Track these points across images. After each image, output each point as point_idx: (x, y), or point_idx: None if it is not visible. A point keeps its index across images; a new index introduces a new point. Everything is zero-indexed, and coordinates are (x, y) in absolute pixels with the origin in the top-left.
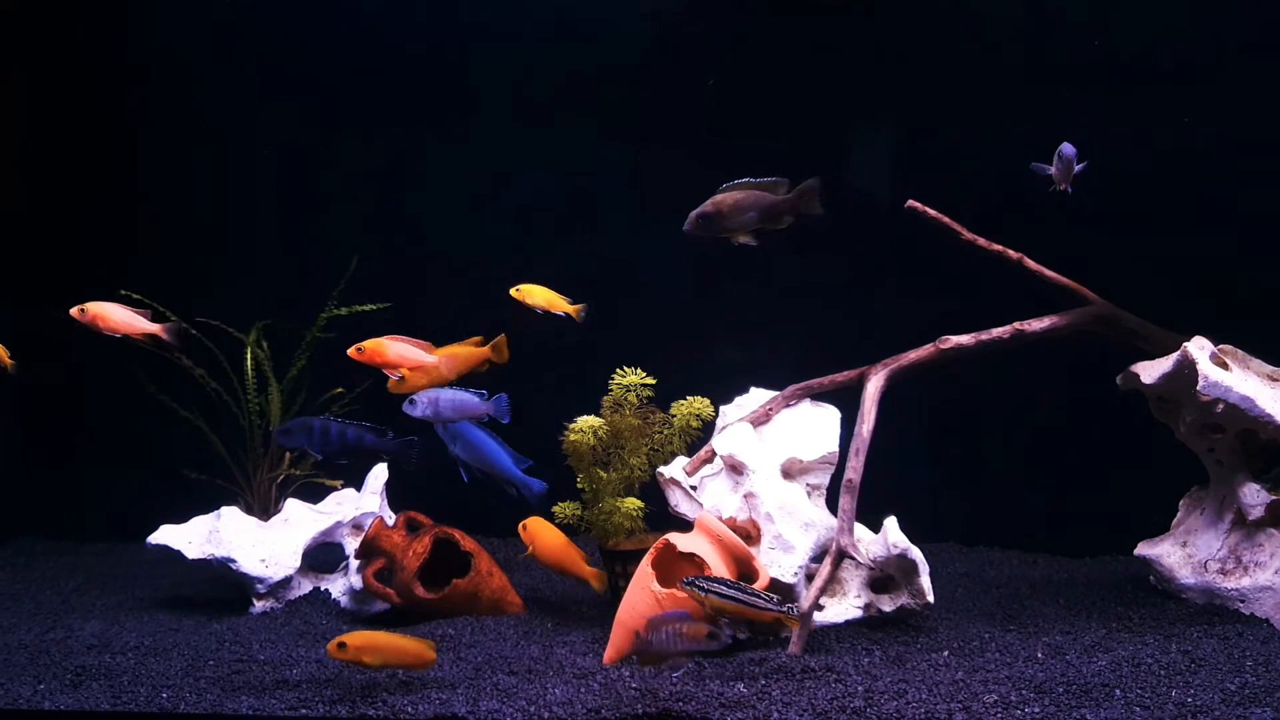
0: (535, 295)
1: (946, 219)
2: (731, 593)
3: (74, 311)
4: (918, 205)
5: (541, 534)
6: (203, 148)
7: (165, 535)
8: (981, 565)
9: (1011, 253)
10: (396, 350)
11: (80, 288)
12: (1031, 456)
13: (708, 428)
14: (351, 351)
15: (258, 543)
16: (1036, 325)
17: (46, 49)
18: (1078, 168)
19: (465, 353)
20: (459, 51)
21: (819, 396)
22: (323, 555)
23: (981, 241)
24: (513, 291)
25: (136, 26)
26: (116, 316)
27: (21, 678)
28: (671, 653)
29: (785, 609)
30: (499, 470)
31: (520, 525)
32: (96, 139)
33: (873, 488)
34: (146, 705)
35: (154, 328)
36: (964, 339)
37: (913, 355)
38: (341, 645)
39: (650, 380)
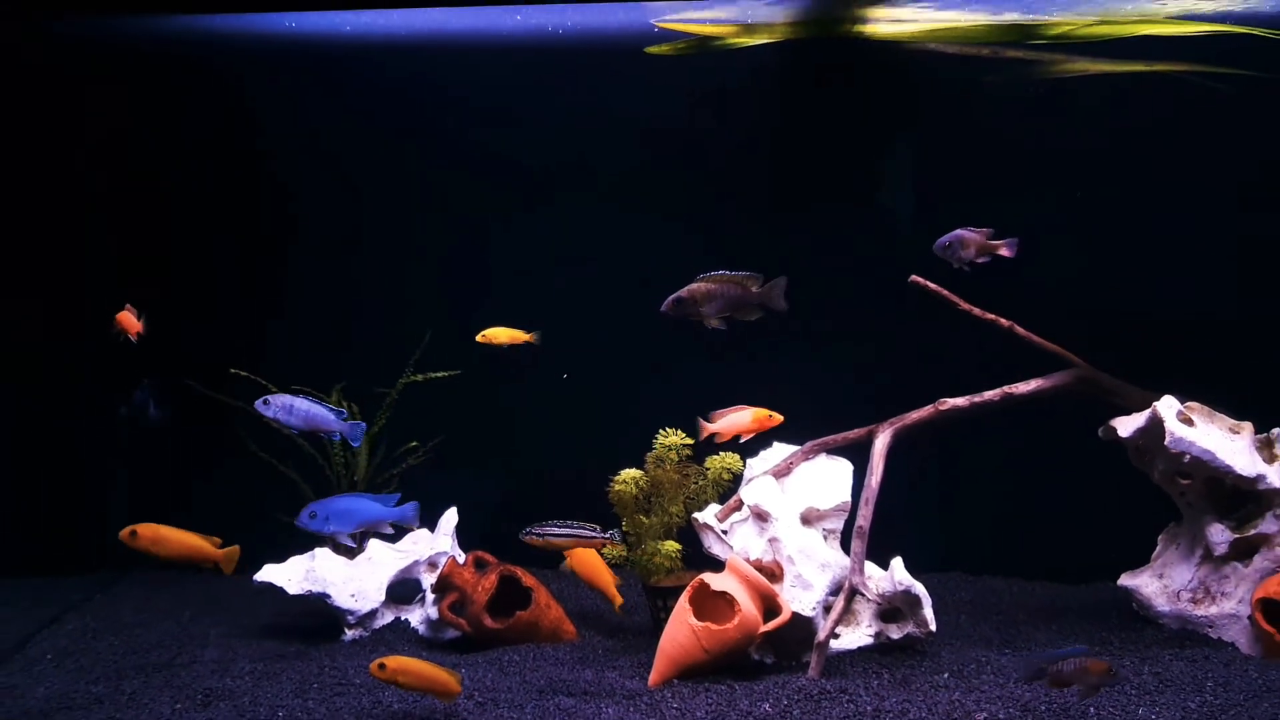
0: (499, 335)
1: (945, 292)
2: (562, 531)
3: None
4: (920, 280)
5: (578, 551)
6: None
7: (269, 574)
8: (985, 593)
9: (1003, 321)
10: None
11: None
12: (1032, 494)
13: (737, 478)
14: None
15: (348, 580)
16: (1024, 388)
17: (136, 112)
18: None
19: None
20: (533, 131)
21: (833, 451)
22: (402, 589)
23: (976, 311)
24: (479, 338)
25: (212, 93)
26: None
27: (160, 698)
28: (1080, 682)
29: (608, 535)
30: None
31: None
32: (182, 216)
33: (890, 523)
34: None
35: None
36: (959, 401)
37: (915, 415)
38: (382, 666)
39: (689, 440)
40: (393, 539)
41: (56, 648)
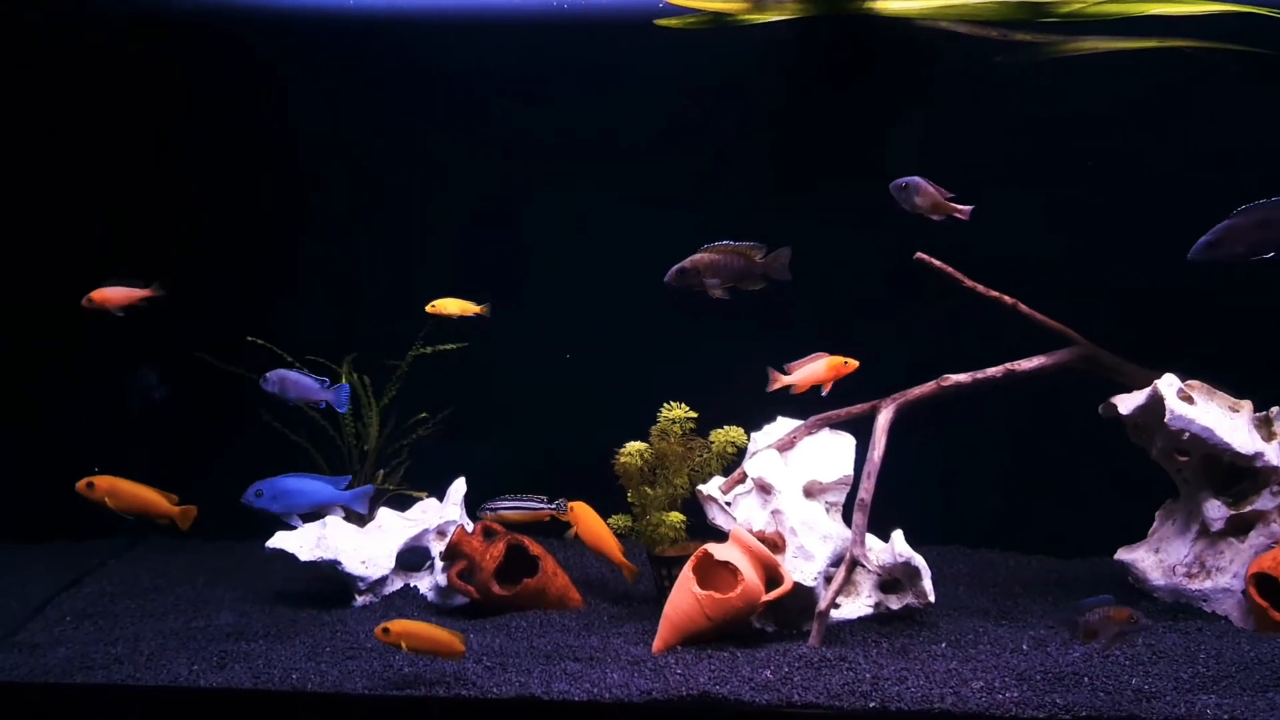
0: (449, 305)
1: (949, 269)
2: (514, 505)
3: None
4: (925, 257)
5: (585, 518)
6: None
7: (281, 540)
8: (983, 566)
9: (1007, 299)
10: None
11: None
12: (1031, 468)
13: (741, 451)
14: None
15: (358, 547)
16: (1026, 365)
17: (143, 85)
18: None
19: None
20: (546, 106)
21: (836, 426)
22: (411, 556)
23: (980, 288)
24: (428, 308)
25: (220, 65)
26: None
27: (177, 660)
28: (1104, 631)
29: (555, 505)
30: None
31: (568, 506)
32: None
33: (892, 497)
34: (280, 685)
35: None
36: (962, 377)
37: (917, 391)
38: (386, 630)
39: (692, 414)
40: (362, 521)
41: (75, 610)
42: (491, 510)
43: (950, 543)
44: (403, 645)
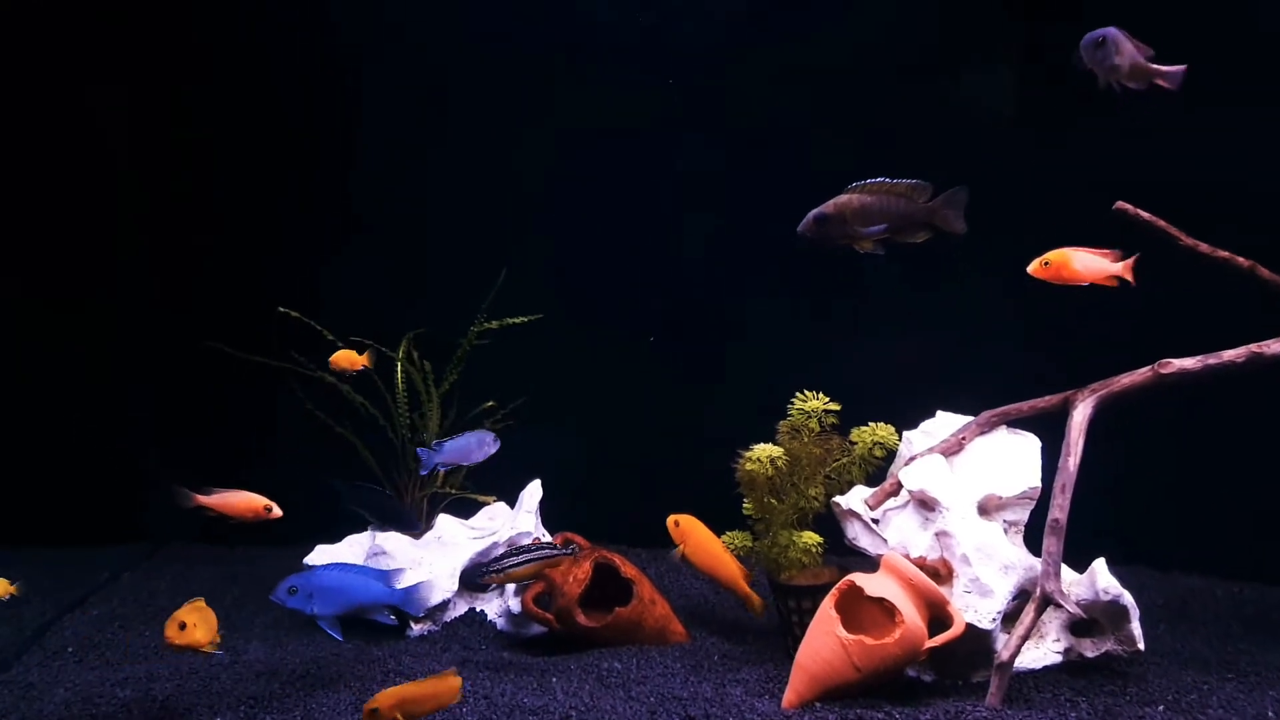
0: (340, 361)
1: (1162, 223)
2: (523, 559)
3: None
4: (1127, 207)
5: (695, 534)
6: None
7: (321, 555)
8: (1180, 595)
9: (1242, 260)
10: (1083, 262)
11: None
12: (1235, 468)
13: (890, 455)
14: (1036, 269)
15: (415, 564)
16: (1276, 347)
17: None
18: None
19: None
20: (623, 63)
21: (1015, 424)
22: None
23: (1204, 247)
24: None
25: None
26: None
27: (197, 708)
28: None
29: (567, 549)
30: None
31: (670, 521)
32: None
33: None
34: None
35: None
36: (1188, 362)
37: (1126, 380)
38: (375, 713)
39: (834, 406)
40: (399, 619)
41: (79, 638)
42: (497, 571)
43: (1132, 563)
44: (400, 716)
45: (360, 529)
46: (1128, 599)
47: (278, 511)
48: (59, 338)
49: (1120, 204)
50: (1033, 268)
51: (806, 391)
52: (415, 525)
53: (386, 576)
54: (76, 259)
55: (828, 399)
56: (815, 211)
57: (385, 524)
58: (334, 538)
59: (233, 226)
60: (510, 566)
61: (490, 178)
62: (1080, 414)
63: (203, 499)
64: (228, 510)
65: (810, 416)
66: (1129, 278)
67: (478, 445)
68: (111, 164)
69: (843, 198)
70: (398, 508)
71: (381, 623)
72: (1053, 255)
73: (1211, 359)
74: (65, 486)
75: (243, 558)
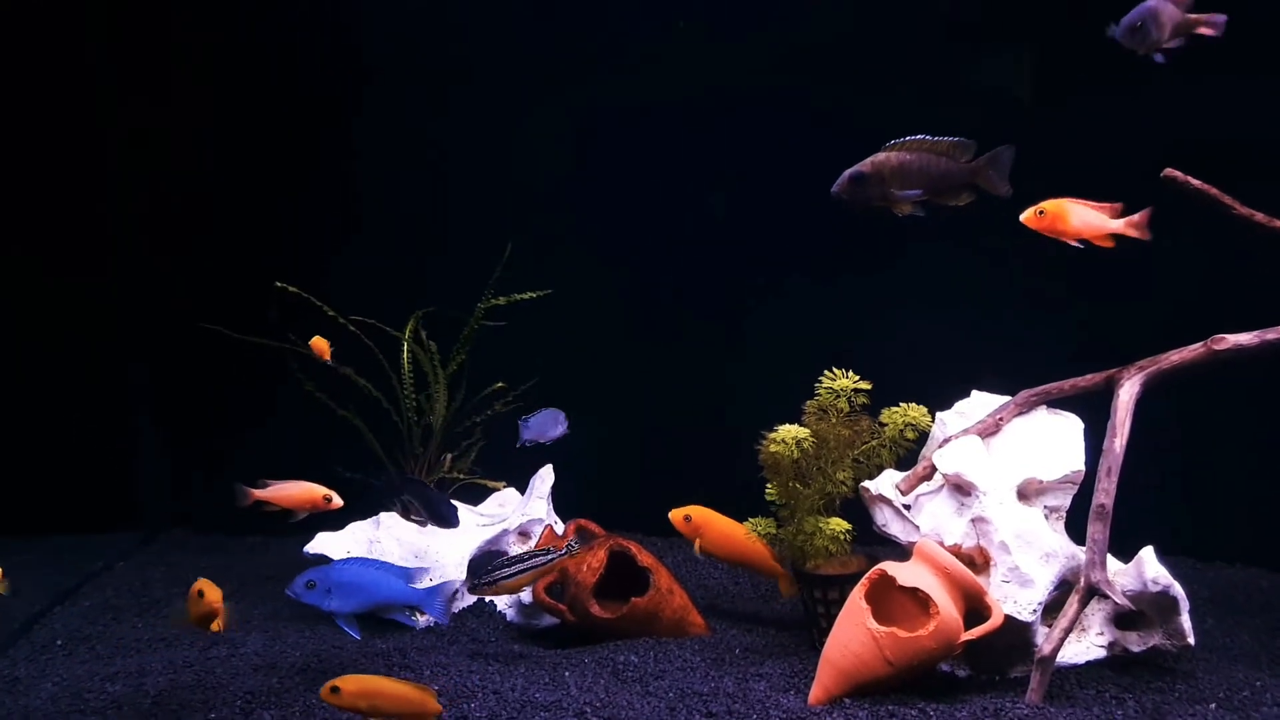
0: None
1: (1214, 190)
2: (516, 569)
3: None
4: (1177, 174)
5: (710, 524)
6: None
7: (323, 543)
8: (1226, 588)
9: None
10: (1081, 216)
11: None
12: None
13: (922, 437)
14: (1030, 218)
15: (421, 553)
16: None
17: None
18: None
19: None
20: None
21: (1056, 404)
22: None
23: (1260, 217)
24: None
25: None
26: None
27: (192, 705)
28: None
29: (567, 549)
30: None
31: (681, 517)
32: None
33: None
34: None
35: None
36: (1245, 338)
37: (1176, 356)
38: (335, 689)
39: (865, 385)
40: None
41: (69, 630)
42: (487, 584)
43: (1175, 555)
44: (361, 707)
45: (362, 516)
46: (1178, 590)
47: (338, 501)
48: (52, 322)
49: (1169, 171)
50: (1026, 216)
51: (836, 370)
52: (454, 523)
53: (409, 575)
54: (72, 243)
55: (858, 377)
56: (851, 170)
57: (427, 519)
58: (337, 525)
59: (232, 206)
60: (502, 578)
61: (500, 154)
62: (1127, 393)
63: (259, 494)
64: (286, 503)
65: (839, 396)
66: (1135, 234)
67: (554, 423)
68: (109, 146)
69: (880, 156)
70: (442, 503)
71: (401, 622)
72: (1049, 205)
73: (1270, 334)
74: (59, 472)
75: (241, 546)
